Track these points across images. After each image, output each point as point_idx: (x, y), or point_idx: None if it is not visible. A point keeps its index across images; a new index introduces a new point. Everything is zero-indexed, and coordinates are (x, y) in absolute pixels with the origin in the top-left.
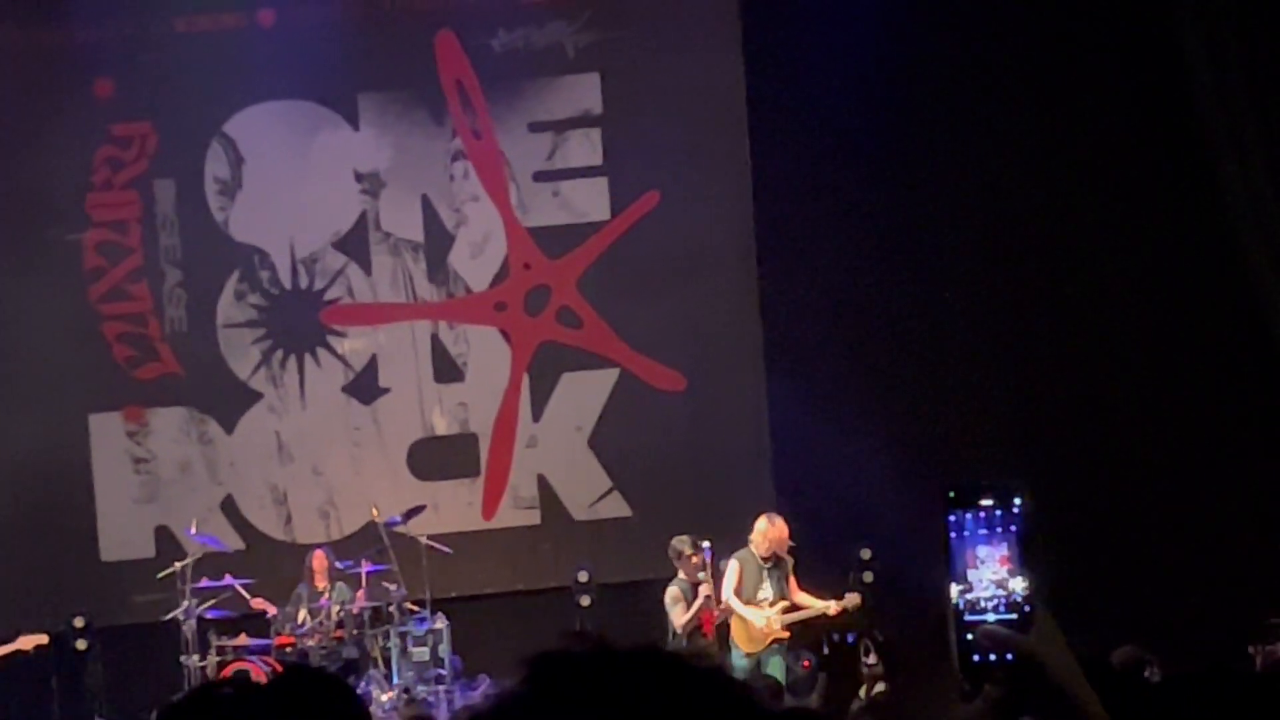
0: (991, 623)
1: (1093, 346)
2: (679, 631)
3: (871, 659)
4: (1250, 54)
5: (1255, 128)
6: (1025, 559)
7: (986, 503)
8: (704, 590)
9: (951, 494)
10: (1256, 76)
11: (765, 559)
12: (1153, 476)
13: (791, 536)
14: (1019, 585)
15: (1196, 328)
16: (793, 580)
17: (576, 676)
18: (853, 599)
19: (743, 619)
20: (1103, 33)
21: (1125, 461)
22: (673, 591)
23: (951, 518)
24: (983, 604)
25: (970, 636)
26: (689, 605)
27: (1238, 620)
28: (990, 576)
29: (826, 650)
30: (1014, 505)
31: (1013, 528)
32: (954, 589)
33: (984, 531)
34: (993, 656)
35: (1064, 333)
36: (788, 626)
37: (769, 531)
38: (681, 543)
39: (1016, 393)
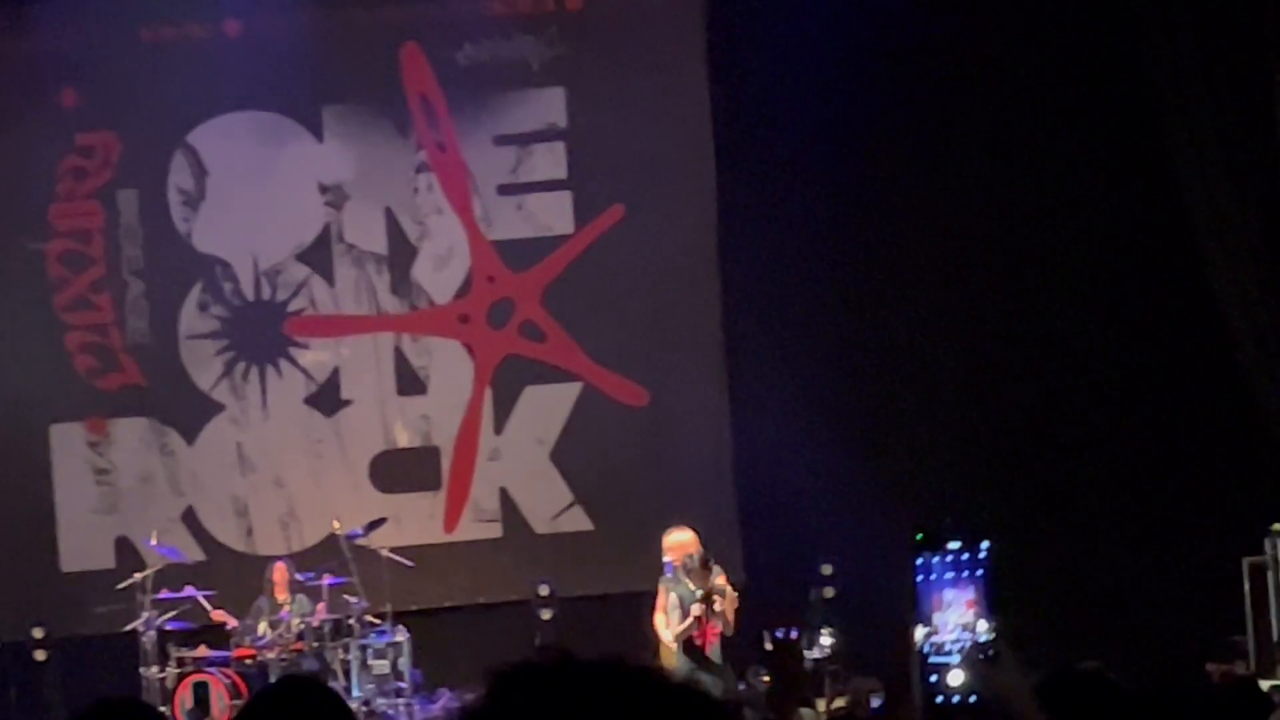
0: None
1: (1055, 360)
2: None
3: (815, 653)
4: (1209, 60)
5: (1217, 144)
6: (991, 602)
7: (953, 546)
8: (718, 604)
9: (919, 537)
10: (1216, 87)
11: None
12: (1113, 496)
13: (753, 551)
14: (984, 628)
15: (1158, 346)
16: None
17: (540, 689)
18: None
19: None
20: (1063, 44)
21: (1086, 480)
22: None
23: (919, 561)
24: (948, 647)
25: (934, 679)
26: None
27: (1195, 639)
28: (956, 619)
29: (769, 646)
30: (980, 550)
31: (979, 572)
32: (919, 631)
33: (951, 575)
34: (956, 699)
35: (1025, 345)
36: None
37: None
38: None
39: (980, 407)
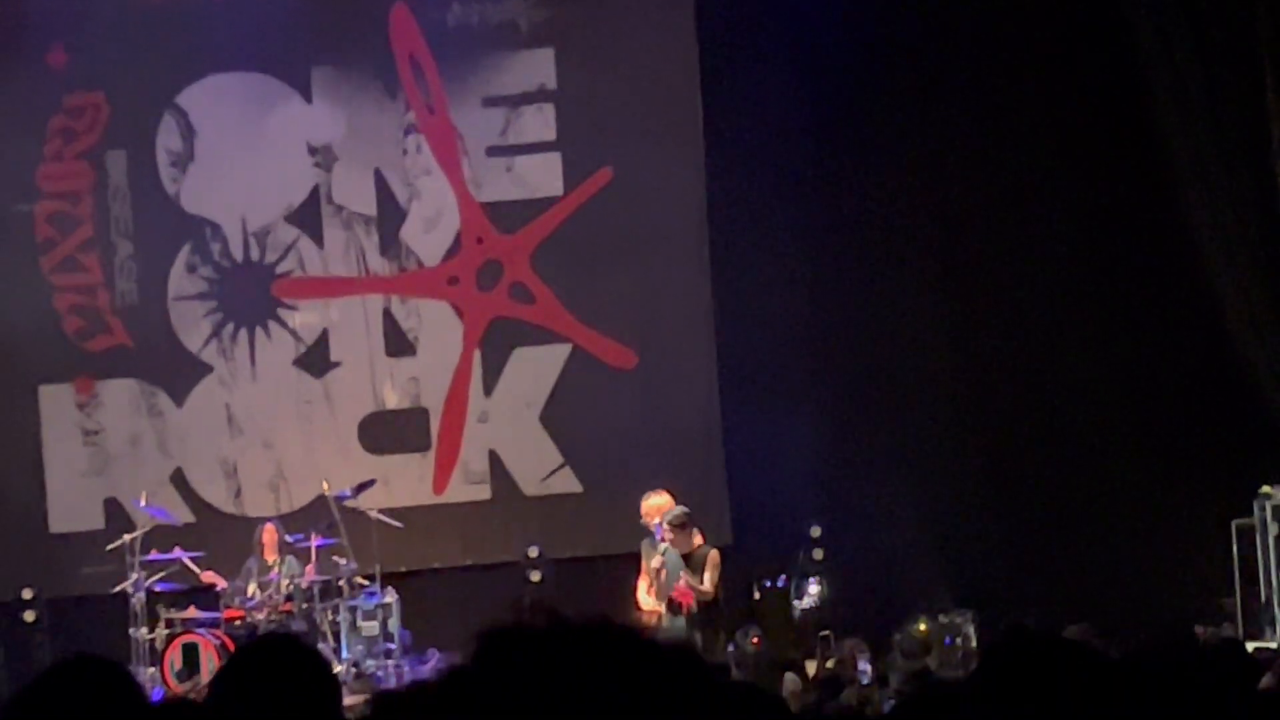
0: None
1: (1045, 322)
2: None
3: (803, 602)
4: (1206, 63)
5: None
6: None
7: None
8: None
9: None
10: (1214, 89)
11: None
12: (1102, 458)
13: (742, 514)
14: None
15: (1146, 308)
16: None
17: (527, 649)
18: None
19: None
20: (1061, 50)
21: (1073, 445)
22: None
23: None
24: None
25: None
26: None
27: (1184, 602)
28: None
29: (757, 596)
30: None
31: None
32: None
33: None
34: None
35: (1014, 305)
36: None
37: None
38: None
39: (970, 370)
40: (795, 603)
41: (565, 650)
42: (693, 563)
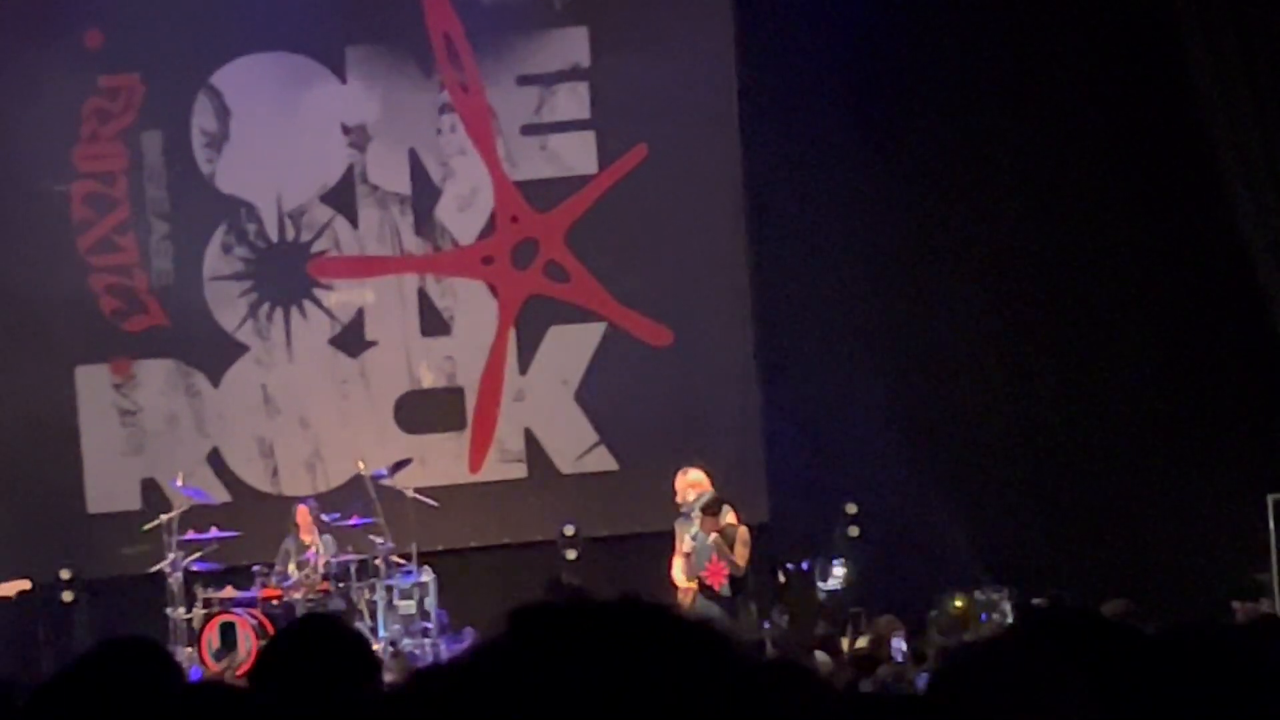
0: None
1: (1084, 300)
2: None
3: (828, 584)
4: (1252, 62)
5: (1260, 141)
6: None
7: None
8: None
9: None
10: (1259, 87)
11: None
12: (1139, 435)
13: (779, 491)
14: None
15: (1185, 286)
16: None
17: (557, 627)
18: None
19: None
20: (1105, 42)
21: (1111, 420)
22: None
23: None
24: None
25: None
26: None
27: (1221, 577)
28: None
29: (782, 579)
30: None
31: None
32: None
33: None
34: None
35: (1054, 286)
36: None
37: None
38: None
39: (1010, 345)
40: (820, 584)
41: (594, 627)
42: (724, 539)
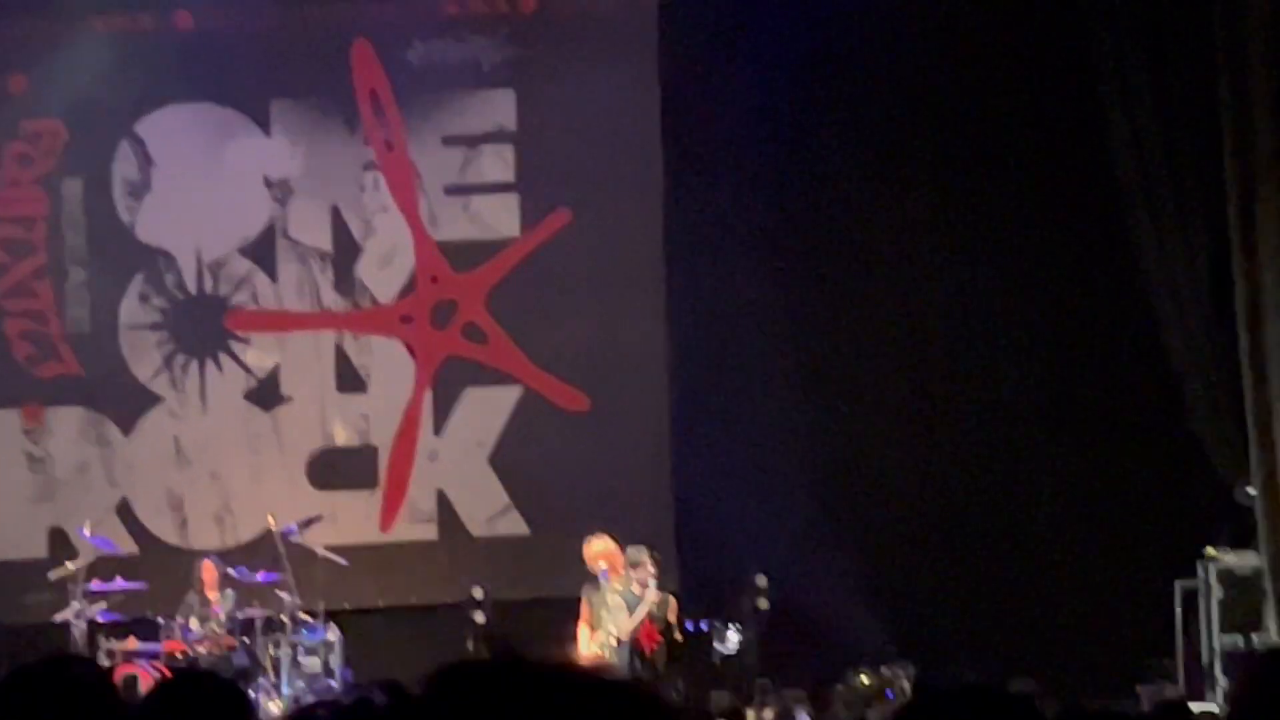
0: None
1: (996, 380)
2: (624, 638)
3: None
4: (1162, 98)
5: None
6: None
7: None
8: (650, 597)
9: None
10: (1169, 122)
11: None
12: (1049, 517)
13: (690, 561)
14: None
15: (1098, 370)
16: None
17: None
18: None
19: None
20: (1022, 82)
21: (1021, 502)
22: (614, 600)
23: None
24: None
25: None
26: (630, 613)
27: (1127, 661)
28: None
29: (679, 638)
30: None
31: None
32: None
33: None
34: None
35: (967, 362)
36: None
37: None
38: (639, 551)
39: (921, 424)
40: (717, 646)
41: (527, 688)
42: (659, 610)
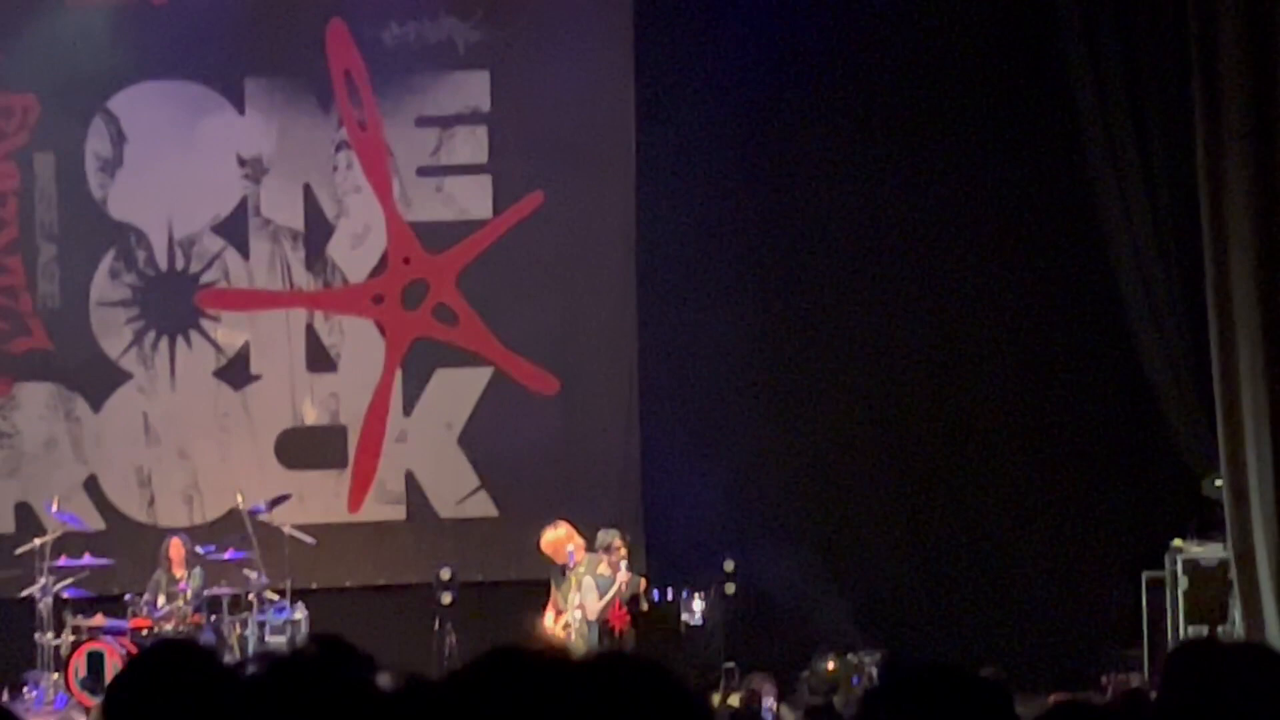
0: None
1: (963, 370)
2: (592, 619)
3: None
4: (1136, 99)
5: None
6: None
7: None
8: (621, 579)
9: None
10: (1142, 122)
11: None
12: (1017, 508)
13: (658, 545)
14: None
15: (1065, 361)
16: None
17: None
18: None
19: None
20: (992, 79)
21: (989, 491)
22: (587, 581)
23: None
24: None
25: None
26: (601, 595)
27: (1093, 651)
28: None
29: (645, 607)
30: None
31: None
32: None
33: None
34: None
35: (934, 351)
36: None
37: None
38: (610, 534)
39: (887, 410)
40: (684, 617)
41: (572, 680)
42: (627, 590)
